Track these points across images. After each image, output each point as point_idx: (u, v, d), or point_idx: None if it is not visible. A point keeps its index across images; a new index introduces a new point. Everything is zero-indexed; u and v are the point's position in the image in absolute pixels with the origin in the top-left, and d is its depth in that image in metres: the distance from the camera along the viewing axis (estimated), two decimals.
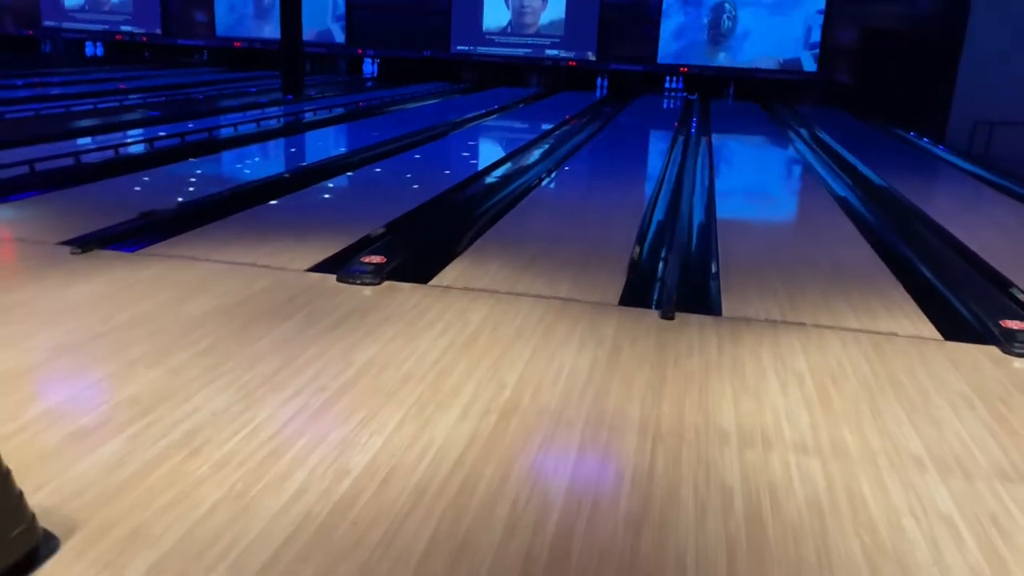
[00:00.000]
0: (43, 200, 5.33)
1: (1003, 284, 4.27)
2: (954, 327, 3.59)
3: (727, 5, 15.44)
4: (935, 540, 2.02)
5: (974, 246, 5.03)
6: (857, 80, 14.86)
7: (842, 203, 6.49)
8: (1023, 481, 2.31)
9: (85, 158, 6.73)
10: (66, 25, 19.16)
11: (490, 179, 6.98)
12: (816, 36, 15.06)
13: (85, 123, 9.08)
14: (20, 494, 1.81)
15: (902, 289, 4.10)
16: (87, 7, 18.93)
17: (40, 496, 2.01)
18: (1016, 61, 10.88)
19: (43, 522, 1.88)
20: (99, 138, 7.98)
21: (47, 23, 19.27)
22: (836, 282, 4.18)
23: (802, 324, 3.53)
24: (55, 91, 11.76)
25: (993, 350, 3.32)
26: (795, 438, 2.50)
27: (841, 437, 2.52)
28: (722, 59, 15.70)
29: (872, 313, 3.71)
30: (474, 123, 10.93)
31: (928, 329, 3.54)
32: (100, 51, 19.12)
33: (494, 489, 2.15)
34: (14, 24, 19.34)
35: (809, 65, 15.19)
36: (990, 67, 11.40)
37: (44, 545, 1.84)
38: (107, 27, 18.91)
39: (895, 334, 3.45)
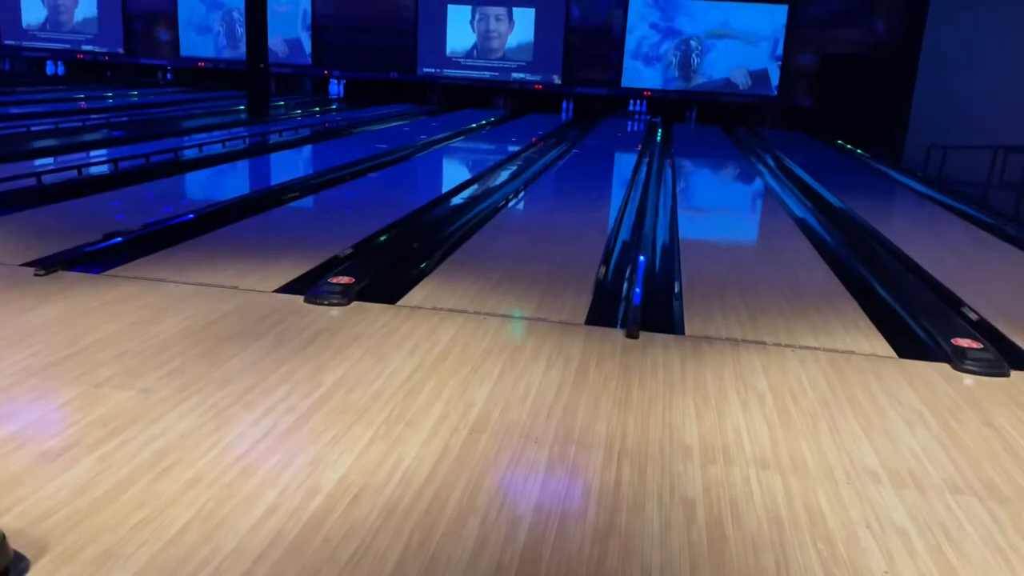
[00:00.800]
0: (4, 221, 5.27)
1: (955, 304, 4.42)
2: (908, 345, 3.71)
3: (693, 43, 15.74)
4: (889, 550, 2.09)
5: (928, 266, 5.19)
6: (816, 103, 15.26)
7: (801, 224, 6.65)
8: (972, 492, 2.41)
9: (47, 178, 6.67)
10: (26, 44, 18.93)
11: (458, 200, 7.04)
12: (780, 50, 15.41)
13: (47, 143, 8.98)
14: None
15: (859, 309, 4.22)
16: (48, 26, 18.74)
17: (9, 518, 2.01)
18: (967, 87, 11.24)
19: (13, 543, 1.88)
20: (61, 158, 7.90)
21: (7, 41, 19.01)
22: (795, 302, 4.29)
23: (762, 343, 3.62)
24: (15, 110, 11.62)
25: (945, 367, 3.44)
26: (755, 453, 2.58)
27: (800, 452, 2.60)
28: (690, 85, 16.01)
29: (830, 332, 3.82)
30: (441, 144, 11.01)
31: (883, 347, 3.65)
32: (61, 70, 18.92)
33: (464, 504, 2.19)
34: None
35: (775, 76, 15.51)
36: (943, 93, 11.78)
37: (14, 567, 1.84)
38: (68, 46, 18.72)
39: (852, 352, 3.56)
